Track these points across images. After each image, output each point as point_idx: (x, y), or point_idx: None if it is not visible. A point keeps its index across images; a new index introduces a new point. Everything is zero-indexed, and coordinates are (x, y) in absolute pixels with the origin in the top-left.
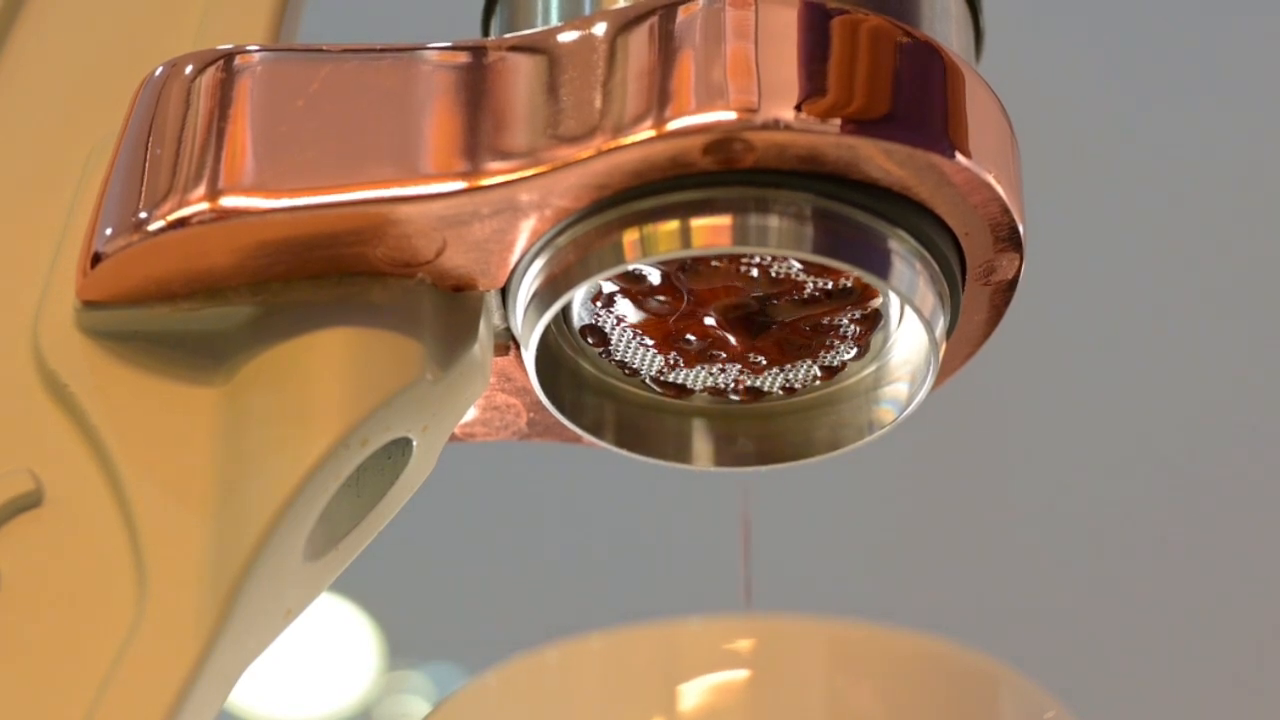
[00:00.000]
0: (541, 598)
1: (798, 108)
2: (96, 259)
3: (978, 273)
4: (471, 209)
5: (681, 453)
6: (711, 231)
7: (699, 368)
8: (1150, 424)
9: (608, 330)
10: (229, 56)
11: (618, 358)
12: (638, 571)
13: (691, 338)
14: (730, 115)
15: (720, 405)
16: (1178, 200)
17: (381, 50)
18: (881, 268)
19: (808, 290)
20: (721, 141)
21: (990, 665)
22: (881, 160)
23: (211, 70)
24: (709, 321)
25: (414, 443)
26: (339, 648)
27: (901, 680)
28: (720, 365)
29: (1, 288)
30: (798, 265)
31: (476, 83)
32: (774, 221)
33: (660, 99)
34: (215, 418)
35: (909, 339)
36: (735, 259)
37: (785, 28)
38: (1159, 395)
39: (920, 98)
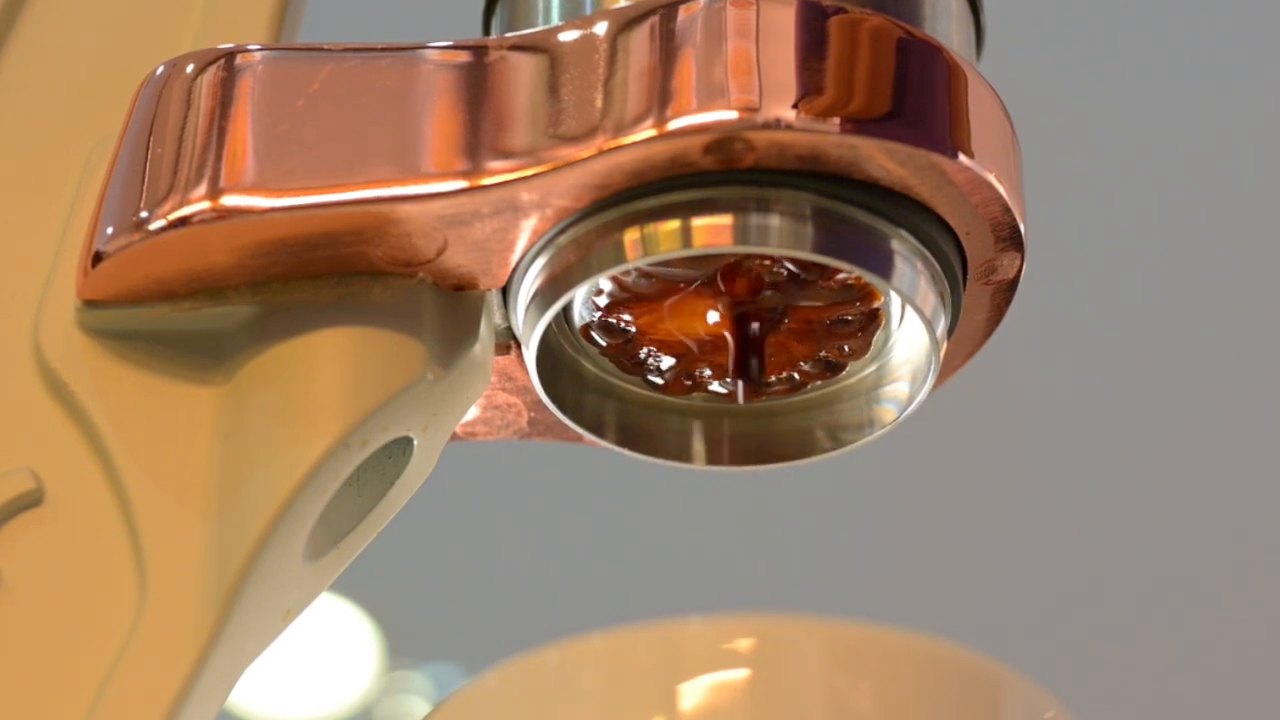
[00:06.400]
0: (541, 598)
1: (795, 106)
2: (97, 258)
3: (979, 272)
4: (472, 208)
5: (682, 452)
6: (712, 231)
7: (700, 369)
8: (1152, 423)
9: (614, 323)
10: (230, 56)
11: (621, 355)
12: (638, 571)
13: (690, 338)
14: (731, 115)
15: (721, 405)
16: (1180, 199)
17: (382, 50)
18: (883, 268)
19: (809, 290)
20: (722, 141)
21: (990, 665)
22: (883, 160)
23: (212, 69)
24: (710, 321)
25: (415, 442)
26: (339, 648)
27: (901, 680)
28: (721, 364)
29: (2, 287)
30: (793, 267)
31: (477, 82)
32: (775, 221)
33: (661, 98)
34: (216, 417)
35: (910, 338)
36: (738, 259)
37: (786, 27)
38: (1161, 394)
39: (922, 97)
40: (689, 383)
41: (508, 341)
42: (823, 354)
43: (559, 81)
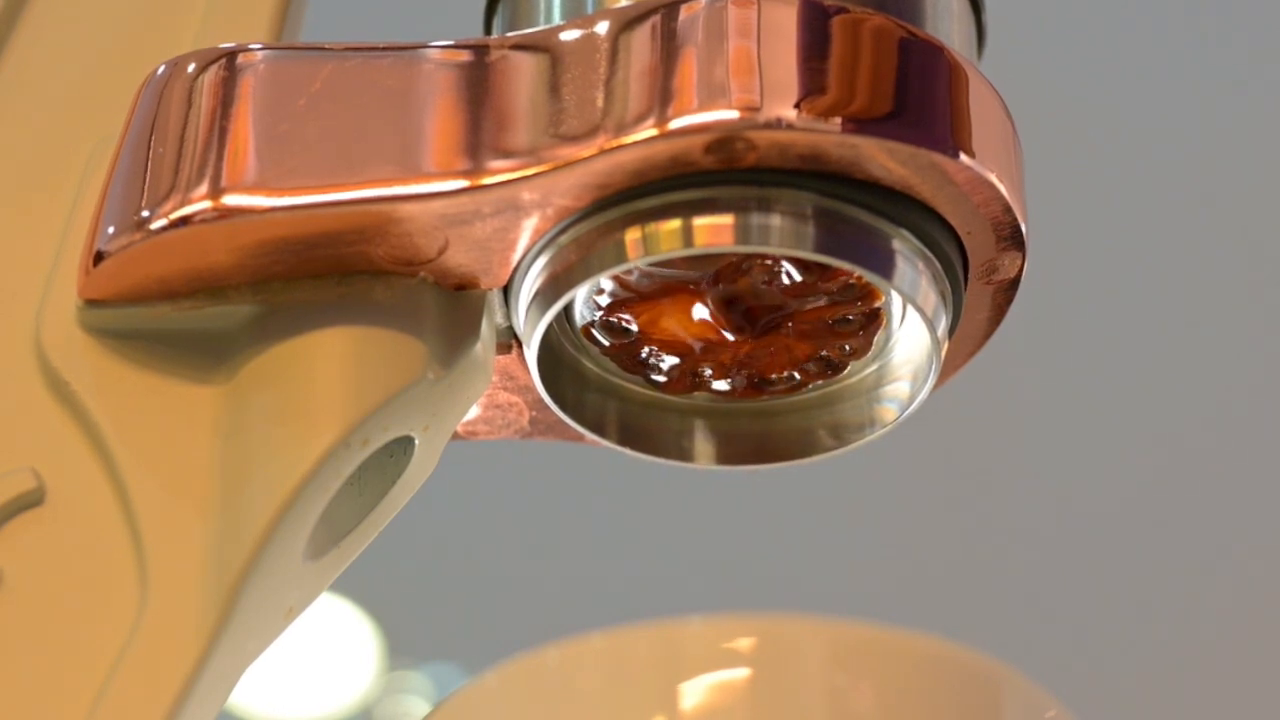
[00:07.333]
0: (541, 598)
1: (796, 106)
2: (99, 257)
3: (980, 272)
4: (473, 208)
5: (683, 452)
6: (713, 231)
7: (701, 368)
8: (1152, 423)
9: (615, 323)
10: (231, 55)
11: (622, 354)
12: (638, 571)
13: (691, 337)
14: (732, 114)
15: (722, 404)
16: (1180, 199)
17: (384, 49)
18: (884, 267)
19: (809, 289)
20: (723, 140)
21: (990, 665)
22: (884, 159)
23: (214, 69)
24: (709, 320)
25: (416, 442)
26: (339, 648)
27: (901, 680)
28: (723, 363)
29: (3, 286)
30: (790, 267)
31: (478, 81)
32: (776, 221)
33: (662, 98)
34: (217, 416)
35: (911, 338)
36: (739, 258)
37: (787, 27)
38: (1161, 394)
39: (923, 97)
40: (690, 382)
41: (509, 341)
42: (824, 353)
43: (560, 81)
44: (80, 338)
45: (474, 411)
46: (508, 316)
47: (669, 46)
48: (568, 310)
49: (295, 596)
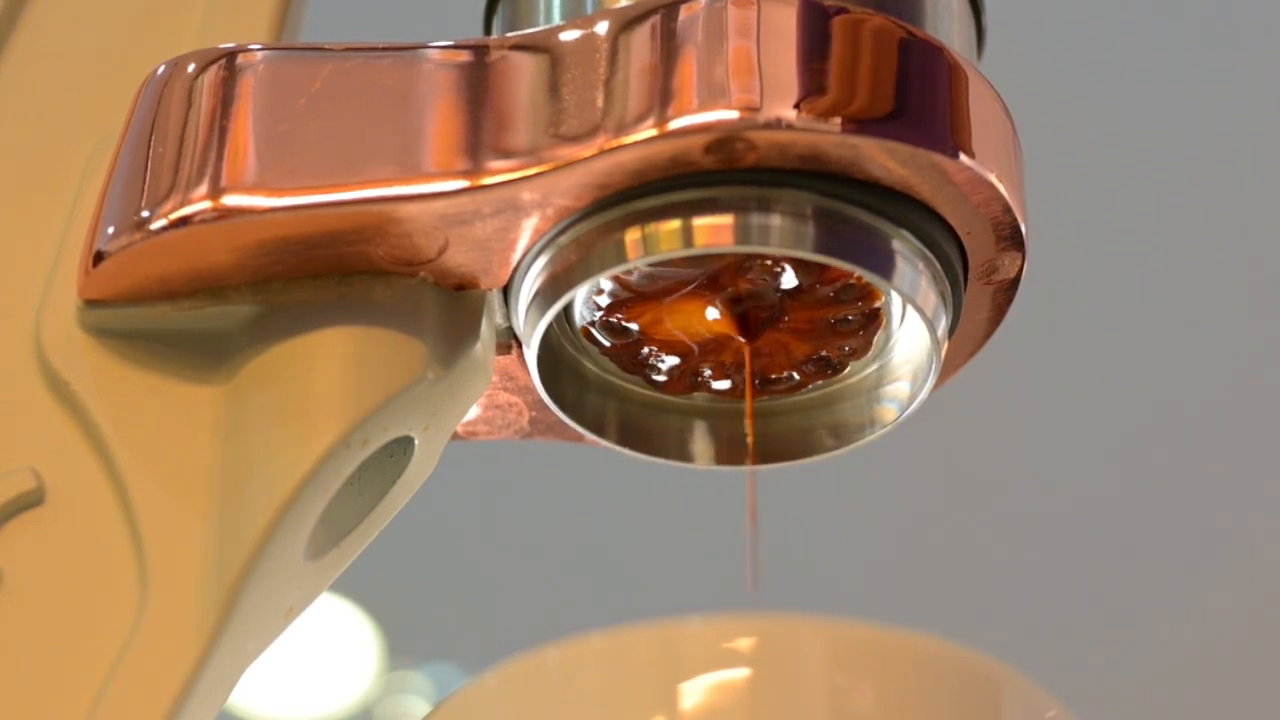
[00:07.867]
0: (541, 598)
1: (796, 106)
2: (98, 258)
3: (980, 272)
4: (473, 208)
5: (683, 451)
6: (713, 231)
7: (701, 368)
8: (1152, 423)
9: (615, 323)
10: (231, 55)
11: (622, 355)
12: (638, 571)
13: (691, 337)
14: (732, 114)
15: (722, 404)
16: (1180, 199)
17: (384, 49)
18: (884, 268)
19: (810, 290)
20: (723, 141)
21: (991, 665)
22: (884, 159)
23: (214, 69)
24: (710, 319)
25: (416, 442)
26: (339, 648)
27: (901, 680)
28: (722, 363)
29: (4, 286)
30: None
31: (478, 82)
32: (776, 221)
33: (662, 98)
34: (217, 416)
35: (911, 338)
36: (739, 259)
37: (787, 27)
38: (1161, 394)
39: (923, 97)
40: (690, 382)
41: (509, 341)
42: (824, 353)
43: (560, 81)
44: (80, 338)
45: (474, 411)
46: (508, 316)
47: (669, 46)
48: (568, 310)
49: (295, 596)
